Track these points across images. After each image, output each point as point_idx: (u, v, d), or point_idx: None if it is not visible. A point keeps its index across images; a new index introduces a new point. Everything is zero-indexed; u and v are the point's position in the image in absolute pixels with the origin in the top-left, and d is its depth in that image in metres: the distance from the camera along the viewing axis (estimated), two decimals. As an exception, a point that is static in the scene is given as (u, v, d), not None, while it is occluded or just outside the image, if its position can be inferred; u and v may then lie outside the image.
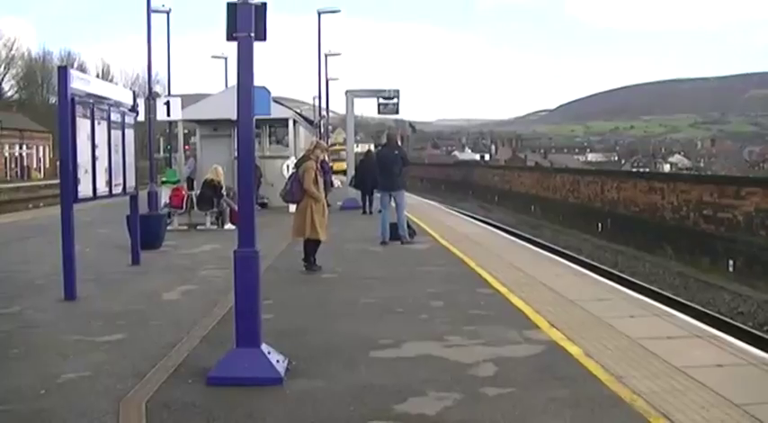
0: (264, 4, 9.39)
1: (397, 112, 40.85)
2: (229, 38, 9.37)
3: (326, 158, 36.03)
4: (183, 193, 28.83)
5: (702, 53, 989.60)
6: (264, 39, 9.40)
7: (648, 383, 8.77)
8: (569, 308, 13.07)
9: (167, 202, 27.87)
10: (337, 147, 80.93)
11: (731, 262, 25.98)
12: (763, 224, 24.71)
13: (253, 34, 9.26)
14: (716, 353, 10.17)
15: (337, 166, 63.38)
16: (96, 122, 15.13)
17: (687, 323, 12.02)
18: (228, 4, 9.31)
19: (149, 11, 29.81)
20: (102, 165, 15.44)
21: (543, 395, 8.47)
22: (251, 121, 9.56)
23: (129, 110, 17.50)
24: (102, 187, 15.51)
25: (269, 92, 25.06)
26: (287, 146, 37.37)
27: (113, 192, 16.28)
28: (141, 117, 24.56)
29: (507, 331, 11.36)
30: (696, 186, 29.97)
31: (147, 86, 30.16)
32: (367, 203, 33.97)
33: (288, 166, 26.19)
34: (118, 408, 8.16)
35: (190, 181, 36.51)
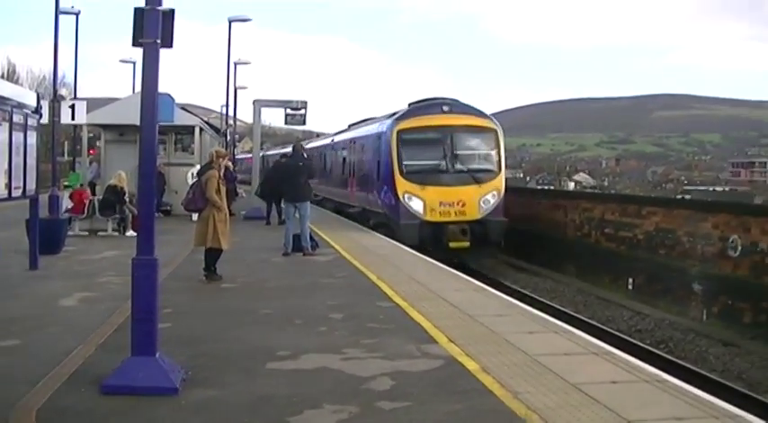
0: (172, 11, 9.34)
1: (304, 123, 40.88)
2: (135, 43, 9.31)
3: (231, 167, 35.84)
4: (86, 198, 28.39)
5: (614, 73, 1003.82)
6: (171, 46, 9.34)
7: (544, 399, 8.87)
8: (468, 323, 13.15)
9: (68, 207, 27.45)
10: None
11: (630, 280, 26.34)
12: (662, 243, 25.10)
13: (159, 40, 9.20)
14: (611, 369, 10.32)
15: None
16: (-4, 123, 14.88)
17: (584, 340, 12.16)
18: (136, 10, 9.24)
19: (57, 12, 29.38)
20: (0, 167, 15.16)
21: (439, 409, 8.53)
22: (154, 127, 9.48)
23: (33, 112, 17.22)
24: (0, 189, 15.24)
25: (173, 99, 24.91)
26: (192, 153, 37.08)
27: (13, 194, 15.98)
28: (45, 119, 24.20)
29: (406, 345, 11.41)
30: (599, 205, 30.34)
31: (52, 88, 29.56)
32: (273, 213, 33.71)
33: (193, 174, 25.95)
34: (8, 415, 8.03)
35: (92, 186, 36.04)
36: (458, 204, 29.36)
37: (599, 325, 20.88)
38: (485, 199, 29.72)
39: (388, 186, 30.28)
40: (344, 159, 41.03)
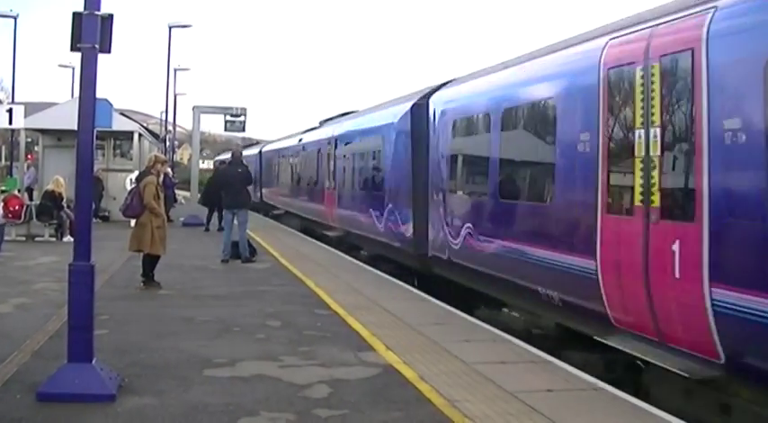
0: (111, 16, 9.28)
1: (243, 130, 40.78)
2: (73, 48, 9.23)
3: (170, 173, 35.62)
4: (21, 203, 28.06)
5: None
6: (109, 51, 9.29)
7: (482, 407, 8.94)
8: (406, 331, 13.20)
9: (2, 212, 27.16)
10: None
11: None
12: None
13: (98, 46, 9.14)
14: (548, 378, 10.41)
15: None
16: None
17: (521, 349, 12.24)
18: (74, 14, 9.17)
19: (-6, 15, 29.11)
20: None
21: (376, 417, 8.55)
22: (92, 132, 9.42)
23: (-32, 116, 17.05)
24: (-66, 194, 15.06)
25: (111, 104, 24.77)
26: (131, 159, 36.80)
27: (-53, 199, 15.82)
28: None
29: (343, 353, 11.44)
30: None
31: (-11, 93, 29.34)
32: (214, 220, 33.44)
33: (131, 180, 25.78)
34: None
35: (30, 191, 35.67)
36: None
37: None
38: None
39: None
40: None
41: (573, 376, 10.56)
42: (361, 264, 23.14)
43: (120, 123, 33.42)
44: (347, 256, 24.77)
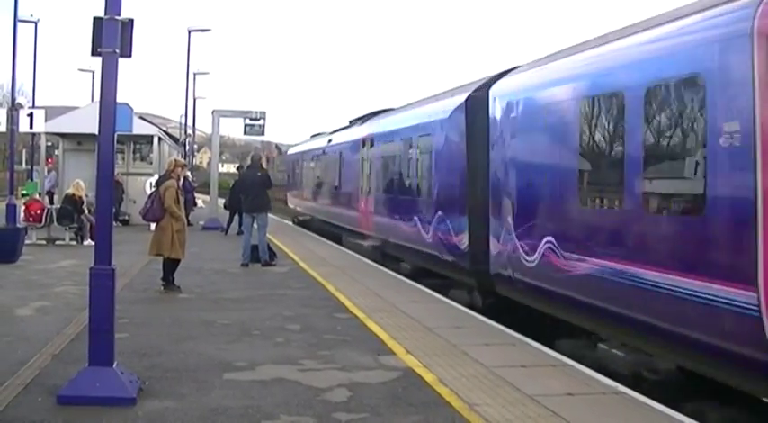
0: (131, 21, 9.31)
1: (263, 134, 40.67)
2: (94, 53, 9.26)
3: (189, 177, 35.66)
4: (42, 207, 28.17)
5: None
6: (130, 55, 9.31)
7: (501, 411, 8.93)
8: (426, 334, 13.19)
9: (23, 216, 27.27)
10: None
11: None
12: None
13: (118, 50, 9.18)
14: (568, 381, 10.38)
15: None
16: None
17: (540, 352, 12.22)
18: (95, 19, 9.20)
19: (16, 20, 29.21)
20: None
21: (396, 421, 8.55)
22: (112, 136, 9.45)
23: (-10, 120, 17.13)
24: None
25: (131, 109, 24.88)
26: (151, 163, 36.88)
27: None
28: (3, 128, 24.09)
29: (363, 356, 11.44)
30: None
31: (10, 97, 29.39)
32: (234, 224, 33.44)
33: (151, 184, 25.84)
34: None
35: (50, 195, 35.80)
36: None
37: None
38: None
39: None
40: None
41: (593, 380, 10.53)
42: (378, 267, 23.10)
43: (139, 127, 33.55)
44: (366, 260, 24.74)
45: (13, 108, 26.12)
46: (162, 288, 17.21)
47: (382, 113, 29.24)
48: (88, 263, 9.51)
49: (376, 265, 23.57)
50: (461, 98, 18.37)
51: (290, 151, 54.70)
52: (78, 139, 35.47)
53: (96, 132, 9.37)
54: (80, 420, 8.28)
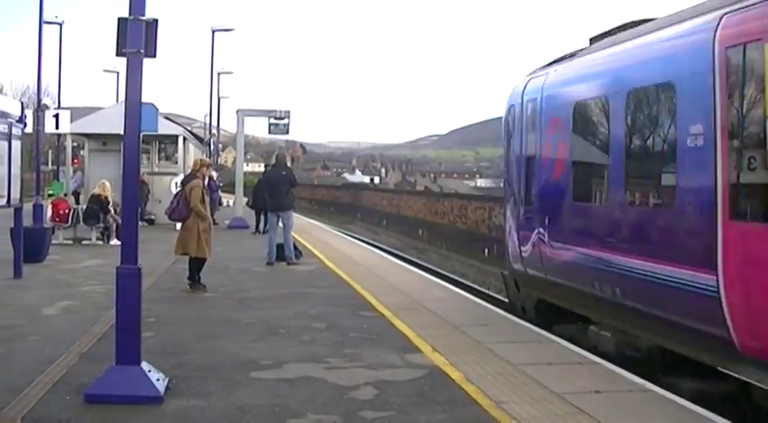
0: (155, 21, 9.33)
1: (287, 133, 40.67)
2: (119, 53, 9.29)
3: (214, 176, 35.76)
4: (68, 207, 28.32)
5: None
6: (154, 56, 9.33)
7: (528, 408, 8.90)
8: (452, 332, 13.18)
9: (50, 216, 27.42)
10: None
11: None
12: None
13: (143, 50, 9.20)
14: (595, 379, 10.36)
15: None
16: (-20, 133, 14.89)
17: (567, 349, 12.20)
18: (119, 20, 9.23)
19: (41, 21, 29.39)
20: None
21: (422, 419, 8.53)
22: (137, 137, 9.47)
23: (17, 121, 17.22)
24: (-15, 199, 15.23)
25: (156, 109, 24.89)
26: (176, 163, 37.00)
27: (-3, 203, 16.00)
28: (29, 129, 24.20)
29: (389, 355, 11.43)
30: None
31: (36, 98, 29.65)
32: (261, 223, 33.54)
33: (176, 183, 25.94)
34: (-9, 423, 8.02)
35: (76, 195, 35.96)
36: None
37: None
38: None
39: None
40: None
41: (620, 377, 10.50)
42: (403, 264, 23.11)
43: (164, 127, 33.63)
44: (391, 258, 24.75)
45: (39, 109, 26.33)
46: (188, 287, 17.26)
47: None
48: (114, 262, 9.55)
49: (401, 263, 23.59)
50: None
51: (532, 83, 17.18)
52: (104, 140, 35.58)
53: (121, 132, 9.41)
54: (108, 419, 8.31)
